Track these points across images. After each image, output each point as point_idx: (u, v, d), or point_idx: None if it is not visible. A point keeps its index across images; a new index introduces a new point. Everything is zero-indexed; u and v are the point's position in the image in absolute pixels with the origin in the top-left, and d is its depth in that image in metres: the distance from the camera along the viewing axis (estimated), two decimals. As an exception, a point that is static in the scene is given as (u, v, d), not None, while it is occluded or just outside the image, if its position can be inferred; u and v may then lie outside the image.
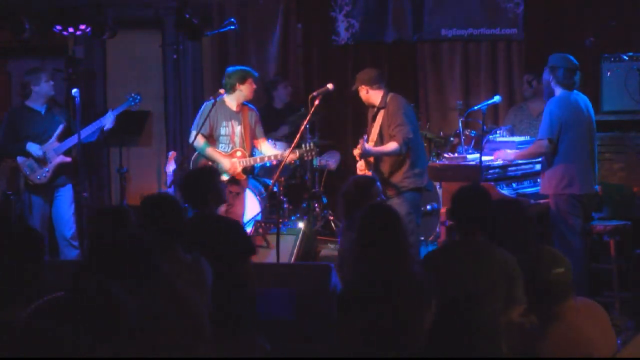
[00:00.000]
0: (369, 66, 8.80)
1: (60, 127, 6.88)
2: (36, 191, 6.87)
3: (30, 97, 6.90)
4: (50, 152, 6.82)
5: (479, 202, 4.29)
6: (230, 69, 6.83)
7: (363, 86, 6.49)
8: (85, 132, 6.85)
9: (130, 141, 8.62)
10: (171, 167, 7.51)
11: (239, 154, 6.77)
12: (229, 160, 6.71)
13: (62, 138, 6.87)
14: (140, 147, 8.90)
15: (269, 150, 6.94)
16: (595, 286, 6.24)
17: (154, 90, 9.04)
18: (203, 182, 4.85)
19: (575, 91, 6.12)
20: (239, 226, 5.08)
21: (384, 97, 6.51)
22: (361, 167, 6.55)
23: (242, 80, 6.67)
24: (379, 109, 6.52)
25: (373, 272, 3.67)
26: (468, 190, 4.46)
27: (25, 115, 6.88)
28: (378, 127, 6.49)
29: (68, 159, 6.86)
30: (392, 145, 6.34)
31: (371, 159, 6.48)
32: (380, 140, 6.48)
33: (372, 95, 6.51)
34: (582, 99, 6.17)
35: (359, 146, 6.37)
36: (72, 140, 6.85)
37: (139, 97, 7.18)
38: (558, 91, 6.10)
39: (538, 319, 3.54)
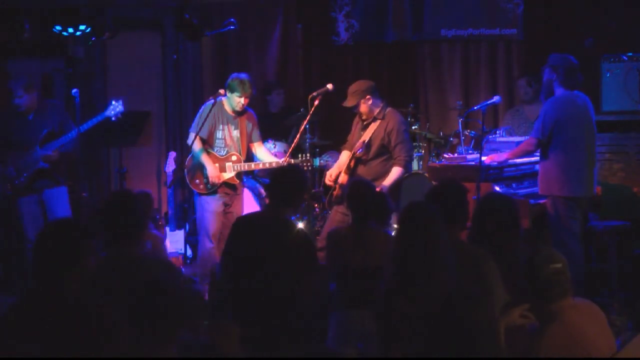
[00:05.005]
0: (369, 66, 8.87)
1: (44, 132, 6.79)
2: (21, 193, 6.82)
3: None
4: (30, 158, 6.76)
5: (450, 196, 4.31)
6: (232, 74, 6.81)
7: (368, 96, 6.49)
8: (60, 142, 6.80)
9: (130, 141, 8.60)
10: (171, 167, 7.51)
11: (234, 158, 6.77)
12: (217, 170, 6.70)
13: (44, 142, 6.79)
14: (140, 147, 8.89)
15: (264, 154, 6.94)
16: (595, 286, 6.24)
17: (154, 90, 9.04)
18: (295, 182, 4.86)
19: (576, 91, 6.10)
20: (308, 239, 4.96)
21: (382, 109, 6.55)
22: (330, 177, 6.63)
23: (231, 90, 6.68)
24: (374, 118, 6.55)
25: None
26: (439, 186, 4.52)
27: (12, 121, 6.79)
28: (368, 137, 6.51)
29: (45, 165, 6.78)
30: (397, 172, 6.42)
31: (352, 164, 6.55)
32: (367, 150, 6.51)
33: (375, 104, 6.54)
34: (583, 99, 6.14)
35: (356, 150, 6.43)
36: (51, 146, 6.78)
37: (121, 107, 6.98)
38: (559, 91, 6.08)
39: (537, 317, 3.54)
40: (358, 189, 5.16)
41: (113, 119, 6.93)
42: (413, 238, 3.63)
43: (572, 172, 5.99)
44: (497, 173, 6.53)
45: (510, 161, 6.50)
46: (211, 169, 6.69)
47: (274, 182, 4.93)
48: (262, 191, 7.79)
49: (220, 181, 6.73)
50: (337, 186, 6.59)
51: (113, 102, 6.94)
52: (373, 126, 6.56)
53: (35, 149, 6.74)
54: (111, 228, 4.02)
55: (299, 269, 4.61)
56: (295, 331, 4.56)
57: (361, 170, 6.54)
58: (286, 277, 4.58)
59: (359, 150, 6.49)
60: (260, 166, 6.90)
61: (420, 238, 3.61)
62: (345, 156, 6.74)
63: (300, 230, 4.97)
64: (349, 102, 6.57)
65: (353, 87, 6.59)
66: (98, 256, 3.51)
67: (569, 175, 5.99)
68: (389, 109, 6.60)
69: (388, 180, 6.39)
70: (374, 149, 6.52)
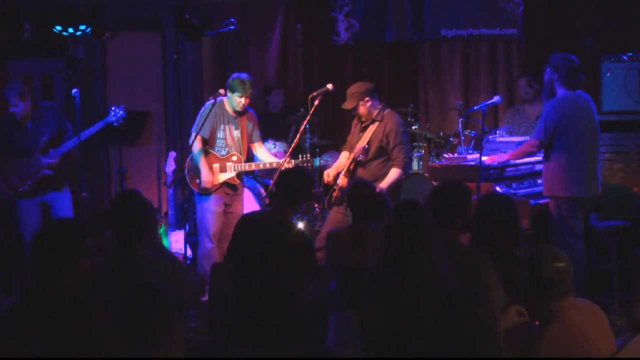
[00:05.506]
0: (369, 66, 8.86)
1: (44, 139, 6.78)
2: (23, 197, 6.81)
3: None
4: (32, 166, 6.75)
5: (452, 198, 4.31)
6: (233, 74, 6.82)
7: (367, 98, 6.51)
8: (62, 150, 6.80)
9: (130, 141, 8.59)
10: (171, 167, 7.51)
11: (234, 158, 6.77)
12: (211, 175, 6.70)
13: (45, 149, 6.78)
14: (140, 147, 8.89)
15: (264, 154, 6.95)
16: (595, 286, 6.24)
17: (154, 90, 9.04)
18: (299, 184, 4.86)
19: (578, 91, 6.10)
20: (309, 244, 4.97)
21: (381, 110, 6.56)
22: (328, 175, 6.64)
23: (231, 91, 6.69)
24: (373, 120, 6.56)
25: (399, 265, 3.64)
26: (442, 187, 4.50)
27: (11, 130, 6.76)
28: (367, 139, 6.52)
29: (49, 172, 6.77)
30: (396, 173, 6.42)
31: (352, 166, 6.55)
32: (366, 152, 6.51)
33: (374, 106, 6.55)
34: (584, 99, 6.14)
35: (356, 152, 6.43)
36: (54, 153, 6.77)
37: (122, 113, 6.98)
38: (561, 91, 6.08)
39: (537, 317, 3.54)
40: (358, 189, 5.17)
41: (115, 124, 6.94)
42: (401, 236, 3.64)
43: (574, 172, 5.99)
44: (497, 173, 6.53)
45: (511, 161, 6.50)
46: (205, 174, 6.67)
47: (280, 183, 4.93)
48: (262, 191, 7.79)
49: (214, 187, 6.73)
50: (337, 188, 6.60)
51: (113, 108, 6.94)
52: (372, 128, 6.56)
53: (37, 156, 6.74)
54: (116, 228, 4.04)
55: (298, 271, 4.61)
56: (295, 332, 4.55)
57: (360, 172, 6.55)
58: (285, 278, 4.57)
59: (359, 155, 6.49)
60: (261, 166, 6.90)
61: (408, 236, 3.62)
62: (344, 157, 6.75)
63: (302, 232, 4.97)
64: (347, 105, 6.58)
65: (352, 89, 6.59)
66: (94, 256, 3.51)
67: (572, 176, 5.99)
68: (387, 111, 6.61)
69: (386, 182, 6.40)
70: (372, 150, 6.52)
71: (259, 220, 4.92)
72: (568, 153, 6.00)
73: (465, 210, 4.29)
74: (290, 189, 4.88)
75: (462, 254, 4.03)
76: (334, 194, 6.62)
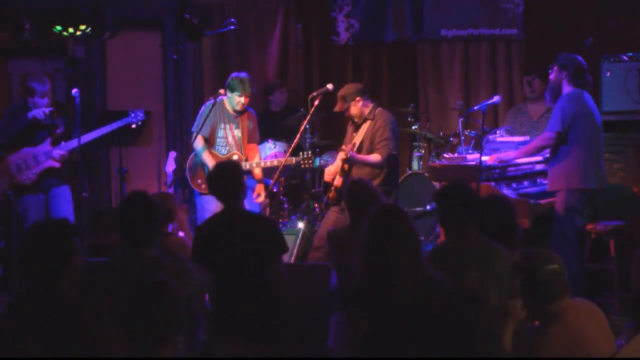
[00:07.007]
0: (369, 66, 8.87)
1: (58, 131, 6.81)
2: (26, 192, 6.82)
3: (29, 101, 6.84)
4: (41, 156, 6.77)
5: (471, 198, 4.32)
6: (232, 74, 6.84)
7: (358, 97, 6.54)
8: (64, 148, 6.83)
9: (130, 141, 8.59)
10: (171, 167, 7.51)
11: (235, 157, 6.78)
12: None
13: (56, 142, 6.82)
14: (140, 147, 8.90)
15: (256, 158, 6.96)
16: (594, 286, 6.24)
17: (154, 90, 9.04)
18: (232, 176, 4.74)
19: (584, 91, 6.17)
20: (271, 223, 4.90)
21: (372, 109, 6.59)
22: (329, 173, 6.63)
23: (231, 90, 6.71)
24: (365, 119, 6.59)
25: (383, 271, 3.65)
26: (453, 187, 4.49)
27: (25, 119, 6.81)
28: (361, 138, 6.54)
29: (57, 164, 6.79)
30: (375, 157, 6.47)
31: (346, 166, 6.55)
32: (360, 151, 6.53)
33: (365, 105, 6.59)
34: (589, 99, 6.22)
35: (346, 150, 6.43)
36: (66, 146, 6.80)
37: (141, 115, 7.02)
38: (568, 89, 6.13)
39: (537, 317, 3.55)
40: (354, 189, 5.17)
41: (133, 126, 7.00)
42: (380, 241, 3.65)
43: (588, 165, 6.07)
44: (497, 173, 6.53)
45: (521, 159, 6.53)
46: None
47: (218, 183, 4.76)
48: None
49: None
50: (333, 188, 6.61)
51: (133, 110, 7.01)
52: (364, 127, 6.61)
53: (47, 146, 6.77)
54: (125, 228, 4.05)
55: (267, 253, 4.53)
56: (277, 318, 4.52)
57: (355, 172, 6.56)
58: (258, 263, 4.50)
59: (349, 153, 6.51)
60: (262, 165, 6.90)
61: (387, 242, 3.63)
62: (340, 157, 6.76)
63: (259, 215, 4.91)
64: (338, 107, 6.63)
65: (342, 91, 6.64)
66: (82, 256, 3.52)
67: (586, 168, 6.05)
68: (379, 109, 6.65)
69: (360, 156, 6.43)
70: (365, 149, 6.54)
71: (213, 224, 4.78)
72: (583, 146, 6.06)
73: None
74: (232, 182, 4.73)
75: (485, 249, 4.06)
76: (330, 194, 6.64)
